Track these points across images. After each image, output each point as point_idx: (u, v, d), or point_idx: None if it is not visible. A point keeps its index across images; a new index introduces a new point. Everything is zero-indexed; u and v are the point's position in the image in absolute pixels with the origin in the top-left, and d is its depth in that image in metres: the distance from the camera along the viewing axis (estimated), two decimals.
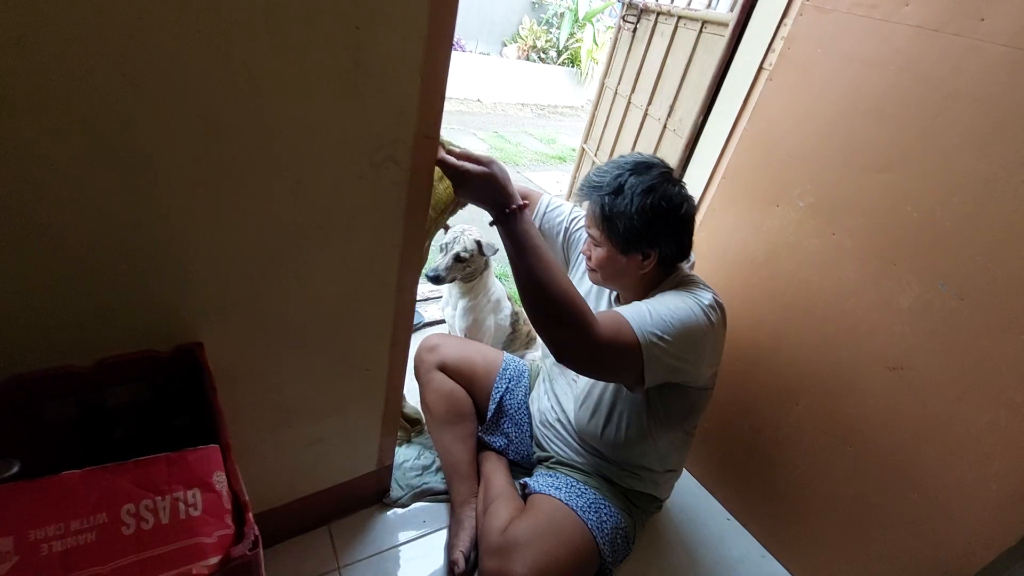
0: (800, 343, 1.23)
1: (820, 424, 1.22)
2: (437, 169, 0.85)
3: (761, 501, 1.38)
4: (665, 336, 0.90)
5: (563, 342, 0.87)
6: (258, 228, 0.70)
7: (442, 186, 0.93)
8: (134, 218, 0.61)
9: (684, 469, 1.54)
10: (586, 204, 1.03)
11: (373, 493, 1.23)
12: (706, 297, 0.97)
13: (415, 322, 1.64)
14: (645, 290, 1.06)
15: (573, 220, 1.25)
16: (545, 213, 1.28)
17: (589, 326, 0.86)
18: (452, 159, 0.85)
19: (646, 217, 0.95)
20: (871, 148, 1.07)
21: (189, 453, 0.58)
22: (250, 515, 0.57)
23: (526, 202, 0.91)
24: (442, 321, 1.86)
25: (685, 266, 1.10)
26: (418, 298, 2.12)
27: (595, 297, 1.21)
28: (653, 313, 0.92)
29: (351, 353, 0.93)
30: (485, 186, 0.87)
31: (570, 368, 0.94)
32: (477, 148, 4.83)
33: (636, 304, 0.96)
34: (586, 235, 1.06)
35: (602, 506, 1.12)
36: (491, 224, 0.91)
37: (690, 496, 1.49)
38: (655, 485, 1.21)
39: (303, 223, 0.73)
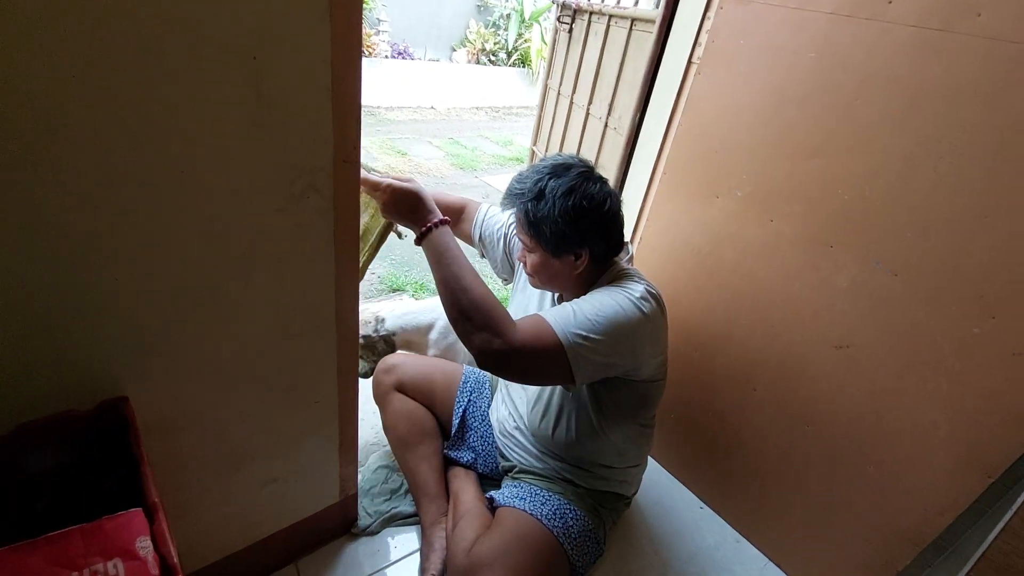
0: (751, 329, 1.25)
1: (778, 406, 1.24)
2: (363, 197, 0.85)
3: (731, 487, 1.40)
4: (591, 335, 0.90)
5: (481, 346, 0.87)
6: (172, 271, 0.67)
7: (367, 215, 0.98)
8: (37, 276, 0.58)
9: (655, 461, 1.55)
10: (512, 212, 1.03)
11: (340, 524, 1.20)
12: (637, 289, 0.97)
13: None
14: (584, 288, 1.07)
15: (511, 226, 1.25)
16: (484, 221, 1.28)
17: (505, 330, 0.87)
18: (374, 176, 0.88)
19: (570, 219, 0.95)
20: (798, 135, 1.09)
21: (107, 521, 0.54)
22: None
23: (446, 217, 0.96)
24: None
25: (623, 259, 1.10)
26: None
27: (538, 300, 1.21)
28: (578, 313, 0.93)
29: (296, 388, 0.90)
30: (407, 200, 0.93)
31: (493, 373, 0.95)
32: (433, 156, 4.80)
33: (562, 305, 0.97)
34: (517, 257, 1.07)
35: (567, 511, 1.11)
36: (415, 242, 0.95)
37: (663, 488, 1.50)
38: (618, 483, 1.21)
39: (221, 262, 0.70)
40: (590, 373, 0.94)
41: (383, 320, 1.47)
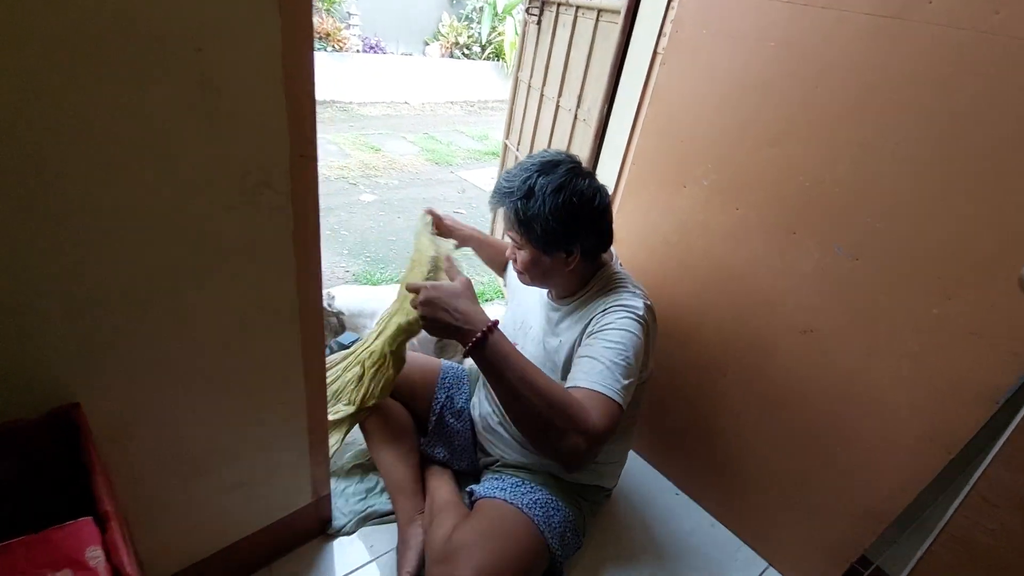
0: (720, 317, 1.26)
1: (748, 392, 1.26)
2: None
3: (706, 472, 1.42)
4: (629, 380, 0.92)
5: (572, 451, 0.82)
6: (118, 274, 0.64)
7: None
8: None
9: (632, 450, 1.56)
10: (501, 211, 1.03)
11: (314, 525, 1.18)
12: (639, 307, 1.00)
13: (349, 341, 1.58)
14: (577, 285, 1.08)
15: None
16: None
17: (586, 424, 0.82)
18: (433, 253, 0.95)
19: (561, 216, 0.95)
20: (760, 123, 1.10)
21: (54, 532, 0.53)
22: None
23: (496, 319, 0.88)
24: None
25: (615, 263, 1.12)
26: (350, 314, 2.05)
27: (539, 295, 1.20)
28: (612, 360, 0.92)
29: (260, 389, 0.88)
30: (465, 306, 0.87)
31: (580, 469, 0.98)
32: (408, 152, 4.75)
33: (590, 362, 0.93)
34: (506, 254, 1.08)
35: (549, 502, 1.12)
36: (464, 354, 0.87)
37: (639, 476, 1.52)
38: (599, 476, 1.22)
39: (171, 263, 0.67)
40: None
41: (334, 297, 1.56)
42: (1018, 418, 0.81)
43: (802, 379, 1.16)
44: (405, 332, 1.08)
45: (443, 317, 0.86)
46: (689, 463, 1.45)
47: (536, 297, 1.20)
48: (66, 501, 0.70)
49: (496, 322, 0.87)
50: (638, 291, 1.04)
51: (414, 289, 0.90)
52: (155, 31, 0.55)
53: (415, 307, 0.89)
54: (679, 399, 1.41)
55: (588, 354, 0.96)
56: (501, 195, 1.00)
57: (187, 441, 0.84)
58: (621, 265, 1.16)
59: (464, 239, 1.25)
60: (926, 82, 0.89)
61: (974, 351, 0.92)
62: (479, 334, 0.84)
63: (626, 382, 0.91)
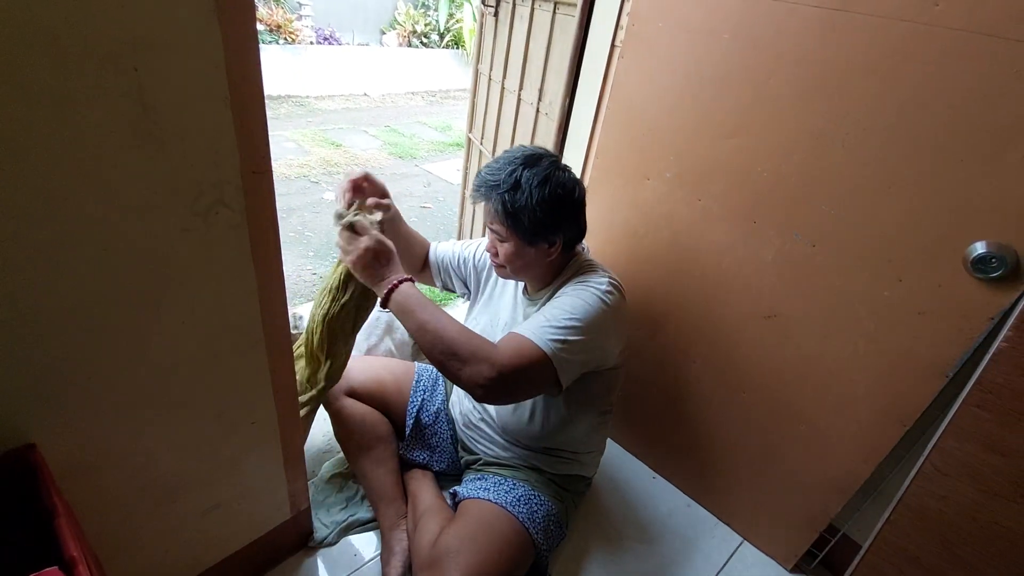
0: (688, 306, 1.29)
1: (716, 377, 1.29)
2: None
3: (680, 455, 1.46)
4: (568, 337, 0.95)
5: (472, 378, 0.90)
6: (66, 306, 0.61)
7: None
8: None
9: (609, 439, 1.59)
10: (484, 204, 1.04)
11: (295, 540, 1.17)
12: (603, 282, 1.03)
13: None
14: (552, 276, 1.11)
15: (465, 248, 1.29)
16: (437, 252, 1.31)
17: (489, 355, 0.90)
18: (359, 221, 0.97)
19: (547, 207, 0.98)
20: (717, 115, 1.12)
21: None
22: None
23: (409, 276, 0.98)
24: None
25: (586, 252, 1.15)
26: None
27: (510, 310, 1.21)
28: (551, 319, 0.96)
29: (229, 410, 0.86)
30: (385, 257, 0.97)
31: (490, 403, 0.99)
32: (370, 146, 4.65)
33: (533, 317, 1.00)
34: (485, 249, 1.10)
35: (532, 497, 1.13)
36: (381, 305, 0.97)
37: (617, 462, 1.55)
38: (581, 465, 1.25)
39: (124, 291, 0.65)
40: (573, 374, 0.99)
41: (301, 317, 1.52)
42: (965, 391, 0.86)
43: (766, 362, 1.20)
44: (332, 289, 1.06)
45: (367, 257, 0.96)
46: (664, 447, 1.49)
47: (510, 298, 1.21)
48: (31, 548, 0.67)
49: (412, 279, 0.98)
50: (606, 274, 1.07)
51: (350, 226, 0.98)
52: (82, 50, 0.52)
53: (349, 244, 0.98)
54: (652, 386, 1.44)
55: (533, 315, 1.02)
56: (488, 188, 1.01)
57: (155, 469, 0.82)
58: (591, 254, 1.18)
59: (393, 222, 1.17)
60: (871, 73, 0.92)
61: (924, 329, 0.96)
62: (395, 281, 0.96)
63: (559, 337, 0.94)
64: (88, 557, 0.60)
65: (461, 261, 1.29)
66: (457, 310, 2.09)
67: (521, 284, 1.18)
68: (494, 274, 1.22)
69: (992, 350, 0.82)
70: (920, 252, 0.93)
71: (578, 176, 1.07)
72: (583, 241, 1.14)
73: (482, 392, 0.91)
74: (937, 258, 0.92)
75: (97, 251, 0.60)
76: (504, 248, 1.05)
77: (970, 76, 0.83)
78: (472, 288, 1.31)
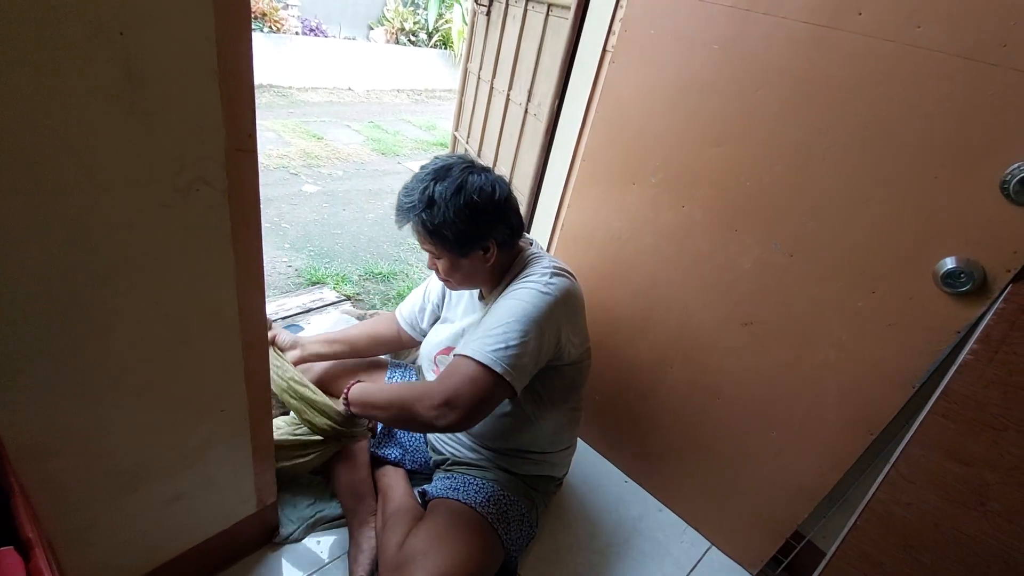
0: (667, 312, 1.30)
1: (692, 383, 1.31)
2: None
3: (652, 460, 1.47)
4: (511, 343, 0.94)
5: (434, 422, 0.94)
6: (35, 278, 0.58)
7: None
8: None
9: (582, 441, 1.60)
10: (407, 227, 1.02)
11: (259, 535, 1.13)
12: (545, 272, 1.03)
13: None
14: (499, 276, 1.10)
15: (428, 289, 1.34)
16: (409, 316, 1.36)
17: (430, 400, 0.94)
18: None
19: (466, 216, 0.96)
20: (704, 123, 1.14)
21: None
22: None
23: (356, 381, 1.13)
24: None
25: (533, 247, 1.13)
26: (297, 311, 1.98)
27: (468, 300, 1.20)
28: (489, 330, 0.96)
29: (196, 397, 0.83)
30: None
31: (461, 431, 1.07)
32: (352, 141, 4.59)
33: (477, 328, 1.02)
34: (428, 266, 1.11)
35: (501, 497, 1.12)
36: (346, 411, 1.10)
37: (589, 466, 1.55)
38: (551, 466, 1.24)
39: (93, 267, 0.62)
40: (527, 376, 0.98)
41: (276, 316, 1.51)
42: (931, 401, 0.89)
43: (741, 369, 1.22)
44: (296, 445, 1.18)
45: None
46: (638, 452, 1.50)
47: (466, 305, 1.22)
48: None
49: (349, 388, 1.10)
50: (550, 264, 1.06)
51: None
52: (70, 14, 0.49)
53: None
54: (628, 391, 1.45)
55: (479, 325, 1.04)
56: (404, 211, 1.00)
57: (117, 456, 0.78)
58: (540, 248, 1.16)
59: (315, 354, 1.32)
60: (854, 89, 0.95)
61: (893, 340, 0.99)
62: (344, 393, 1.10)
63: (501, 346, 0.94)
64: (43, 542, 0.57)
65: (423, 306, 1.33)
66: None
67: (476, 290, 1.18)
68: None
69: (957, 362, 0.85)
70: (893, 265, 0.96)
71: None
72: (529, 236, 1.14)
73: (449, 427, 0.94)
74: (908, 272, 0.95)
75: (68, 223, 0.58)
76: (441, 264, 1.05)
77: (946, 96, 0.86)
78: (442, 312, 1.32)
